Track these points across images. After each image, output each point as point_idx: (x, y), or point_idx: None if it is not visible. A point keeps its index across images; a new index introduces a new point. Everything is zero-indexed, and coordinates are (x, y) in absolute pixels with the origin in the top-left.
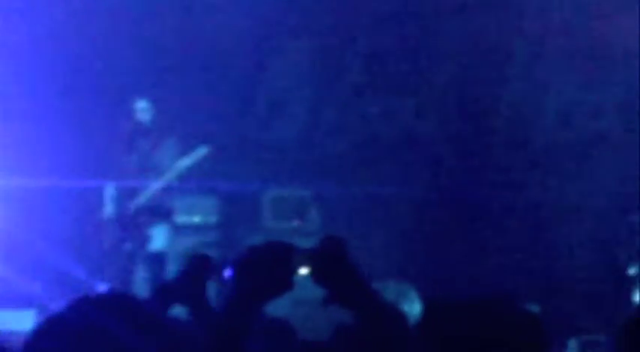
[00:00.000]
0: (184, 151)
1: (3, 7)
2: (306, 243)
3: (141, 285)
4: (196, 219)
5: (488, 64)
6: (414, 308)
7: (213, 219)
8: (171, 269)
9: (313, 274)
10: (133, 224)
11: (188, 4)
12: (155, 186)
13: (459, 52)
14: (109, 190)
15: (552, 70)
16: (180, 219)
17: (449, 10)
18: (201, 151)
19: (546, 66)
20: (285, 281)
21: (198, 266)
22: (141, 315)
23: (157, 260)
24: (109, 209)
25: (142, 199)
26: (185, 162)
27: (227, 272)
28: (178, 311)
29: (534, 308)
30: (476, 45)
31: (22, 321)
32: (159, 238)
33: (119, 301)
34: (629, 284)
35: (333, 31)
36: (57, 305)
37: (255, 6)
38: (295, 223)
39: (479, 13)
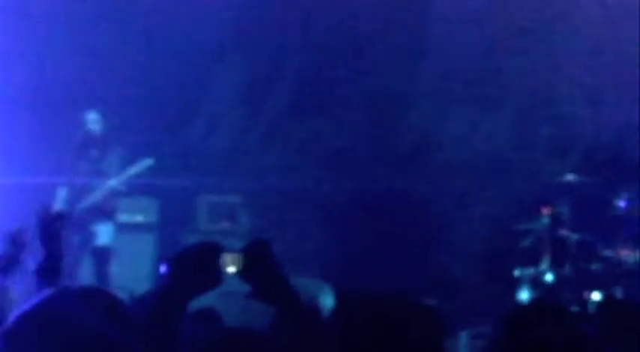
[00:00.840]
0: (130, 158)
1: None
2: (236, 243)
3: (86, 277)
4: (138, 219)
5: (397, 92)
6: (327, 300)
7: (153, 218)
8: (117, 263)
9: (240, 272)
10: (81, 221)
11: (136, 22)
12: (102, 188)
13: (374, 80)
14: (61, 191)
15: (453, 97)
16: (124, 217)
17: (362, 39)
18: (147, 162)
19: (448, 93)
20: (214, 278)
21: None
22: (116, 308)
23: (102, 254)
24: (59, 207)
25: (89, 200)
26: (131, 170)
27: (163, 268)
28: None
29: (432, 303)
30: (388, 74)
31: None
32: (104, 235)
33: (94, 294)
34: (514, 284)
35: (264, 54)
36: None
37: (196, 28)
38: (227, 225)
39: (389, 43)
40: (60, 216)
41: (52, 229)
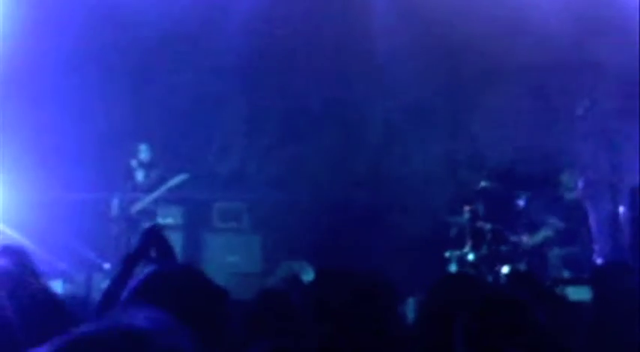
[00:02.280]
0: (164, 178)
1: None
2: (241, 238)
3: None
4: (169, 221)
5: (358, 122)
6: (309, 276)
7: (180, 221)
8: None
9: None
10: (130, 223)
11: (165, 81)
12: (146, 199)
13: (340, 115)
14: (115, 201)
15: (401, 126)
16: (161, 220)
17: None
18: (182, 176)
19: (397, 122)
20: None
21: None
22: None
23: None
24: (114, 213)
25: (137, 207)
26: (170, 183)
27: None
28: None
29: (387, 276)
30: (349, 116)
31: (53, 287)
32: None
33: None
34: (445, 262)
35: (259, 98)
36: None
37: (208, 81)
38: (234, 224)
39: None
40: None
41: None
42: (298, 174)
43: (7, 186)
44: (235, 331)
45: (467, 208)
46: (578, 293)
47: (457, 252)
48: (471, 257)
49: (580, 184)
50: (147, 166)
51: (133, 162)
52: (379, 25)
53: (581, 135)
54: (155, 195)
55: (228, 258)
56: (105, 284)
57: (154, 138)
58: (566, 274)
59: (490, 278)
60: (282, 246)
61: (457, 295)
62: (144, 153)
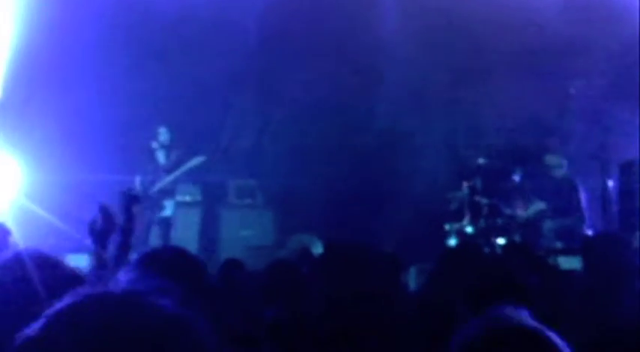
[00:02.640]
0: (184, 158)
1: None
2: (254, 213)
3: (155, 238)
4: (188, 198)
5: (364, 104)
6: (318, 249)
7: (198, 198)
8: (175, 229)
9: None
10: (152, 202)
11: (189, 76)
12: (166, 179)
13: (348, 98)
14: (137, 179)
15: (404, 108)
16: (180, 198)
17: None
18: (199, 159)
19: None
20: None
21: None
22: None
23: (166, 222)
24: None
25: (158, 186)
26: (188, 164)
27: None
28: None
29: (390, 248)
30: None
31: (79, 261)
32: (168, 209)
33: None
34: (446, 234)
35: (271, 81)
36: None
37: (222, 73)
38: (248, 201)
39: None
40: (135, 198)
41: (129, 209)
42: (308, 154)
43: (37, 167)
44: (251, 298)
45: (465, 184)
46: (570, 263)
47: (456, 225)
48: (469, 229)
49: (565, 163)
50: (167, 148)
51: (154, 144)
52: (384, 12)
53: (573, 113)
54: (174, 175)
55: (243, 232)
56: (132, 257)
57: (173, 122)
58: (558, 245)
59: (487, 249)
60: (292, 221)
61: (462, 265)
62: (163, 135)
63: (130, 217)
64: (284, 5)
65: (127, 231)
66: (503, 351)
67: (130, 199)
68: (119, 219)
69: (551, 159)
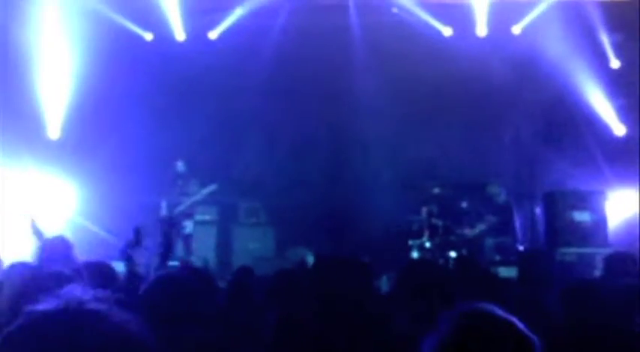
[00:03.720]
0: (201, 185)
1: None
2: (259, 230)
3: (179, 251)
4: (206, 217)
5: (345, 144)
6: (310, 260)
7: (215, 218)
8: (195, 243)
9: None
10: (176, 220)
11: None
12: (186, 203)
13: (332, 137)
14: (163, 203)
15: (376, 148)
16: (199, 217)
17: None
18: (213, 187)
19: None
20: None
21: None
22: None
23: (187, 238)
24: (163, 212)
25: (180, 208)
26: (204, 191)
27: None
28: None
29: (366, 259)
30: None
31: (119, 267)
32: (188, 227)
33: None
34: (409, 248)
35: (275, 122)
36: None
37: (229, 107)
38: (254, 220)
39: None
40: (166, 221)
41: (165, 226)
42: (302, 184)
43: (88, 191)
44: (258, 300)
45: (424, 209)
46: (507, 272)
47: (417, 241)
48: (427, 245)
49: (503, 192)
50: (184, 177)
51: (175, 173)
52: (362, 68)
53: (508, 154)
54: (193, 199)
55: (250, 245)
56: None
57: (192, 155)
58: (497, 258)
59: (442, 261)
60: (290, 236)
61: (420, 275)
62: (180, 167)
63: (167, 236)
64: (285, 60)
65: (165, 246)
66: (478, 338)
67: (165, 223)
68: (145, 238)
69: (492, 188)
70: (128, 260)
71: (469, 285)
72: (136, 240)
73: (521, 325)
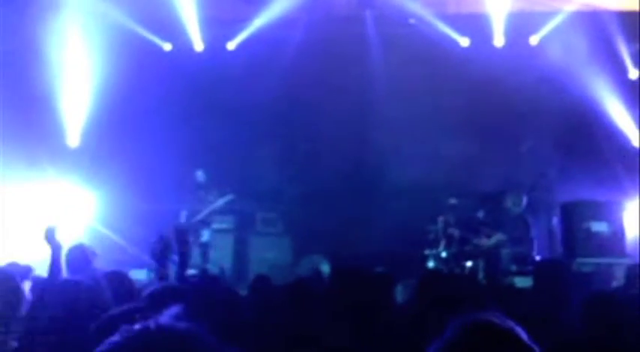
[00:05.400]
0: (220, 195)
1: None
2: (276, 239)
3: (196, 258)
4: (224, 226)
5: (360, 156)
6: (325, 268)
7: (232, 226)
8: (212, 251)
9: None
10: (195, 228)
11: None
12: (204, 211)
13: (347, 150)
14: (183, 212)
15: (393, 158)
16: (216, 226)
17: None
18: (230, 197)
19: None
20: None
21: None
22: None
23: (205, 246)
24: (183, 220)
25: (199, 217)
26: (221, 201)
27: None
28: None
29: (383, 269)
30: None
31: (139, 275)
32: (205, 235)
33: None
34: (425, 258)
35: (291, 132)
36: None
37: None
38: (271, 229)
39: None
40: (185, 229)
41: (181, 237)
42: (317, 194)
43: (108, 199)
44: (277, 307)
45: (441, 218)
46: (523, 282)
47: (434, 251)
48: (444, 254)
49: (524, 202)
50: (204, 187)
51: (196, 183)
52: (379, 79)
53: (526, 164)
54: (211, 208)
55: (267, 254)
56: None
57: (209, 166)
58: (513, 268)
59: (457, 270)
60: (305, 245)
61: (434, 286)
62: (201, 177)
63: (184, 244)
64: (302, 71)
65: (183, 255)
66: (477, 346)
67: (182, 231)
68: (174, 245)
69: (512, 197)
70: (159, 271)
71: (485, 296)
72: (163, 250)
73: (523, 335)
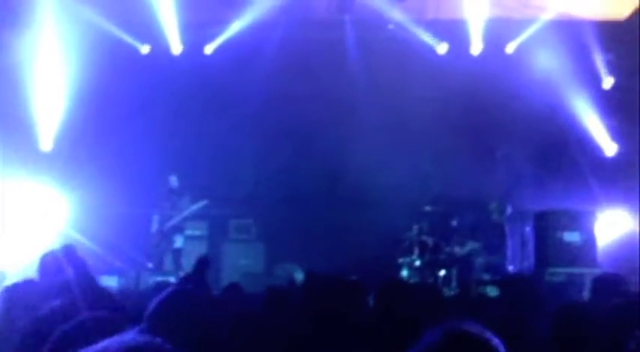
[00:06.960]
0: (193, 200)
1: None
2: (250, 247)
3: (169, 265)
4: (197, 233)
5: (338, 162)
6: (299, 276)
7: (205, 233)
8: (185, 258)
9: None
10: (166, 234)
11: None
12: (177, 218)
13: (325, 156)
14: (155, 217)
15: (370, 167)
16: (190, 232)
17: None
18: (203, 202)
19: (367, 163)
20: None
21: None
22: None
23: (177, 252)
24: (155, 226)
25: (172, 222)
26: (195, 206)
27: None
28: None
29: (354, 277)
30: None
31: (110, 282)
32: (178, 241)
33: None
34: (399, 266)
35: (266, 138)
36: (129, 273)
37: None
38: (245, 236)
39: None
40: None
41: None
42: (292, 201)
43: (79, 203)
44: (252, 315)
45: (415, 226)
46: (495, 292)
47: (407, 259)
48: (417, 263)
49: (509, 210)
50: (178, 192)
51: (168, 188)
52: (357, 83)
53: (500, 173)
54: (184, 214)
55: (241, 261)
56: (151, 279)
57: (183, 170)
58: (486, 277)
59: (430, 279)
60: (278, 252)
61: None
62: (174, 182)
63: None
64: (280, 75)
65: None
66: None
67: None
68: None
69: (496, 205)
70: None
71: (455, 305)
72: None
73: (499, 344)
